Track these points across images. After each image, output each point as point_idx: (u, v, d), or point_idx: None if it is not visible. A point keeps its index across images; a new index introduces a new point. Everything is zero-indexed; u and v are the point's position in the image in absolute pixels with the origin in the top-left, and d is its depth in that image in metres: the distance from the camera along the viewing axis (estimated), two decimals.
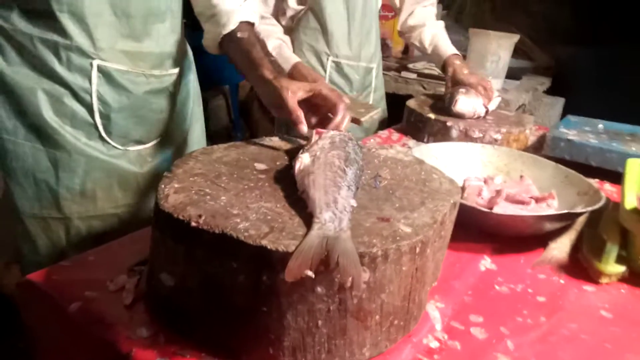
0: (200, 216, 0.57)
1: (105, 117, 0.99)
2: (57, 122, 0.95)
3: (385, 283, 0.58)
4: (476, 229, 0.91)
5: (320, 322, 0.56)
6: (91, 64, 0.94)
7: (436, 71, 2.30)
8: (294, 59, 1.45)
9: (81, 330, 0.64)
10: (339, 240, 0.54)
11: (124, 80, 0.99)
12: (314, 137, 0.77)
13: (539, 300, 0.78)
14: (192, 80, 1.22)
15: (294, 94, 0.85)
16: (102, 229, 1.07)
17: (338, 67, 1.62)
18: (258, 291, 0.55)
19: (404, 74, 2.36)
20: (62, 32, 0.90)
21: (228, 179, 0.69)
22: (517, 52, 2.38)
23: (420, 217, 0.64)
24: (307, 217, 0.59)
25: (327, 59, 1.60)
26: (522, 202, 0.95)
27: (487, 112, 1.47)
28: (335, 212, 0.58)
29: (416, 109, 1.50)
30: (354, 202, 0.63)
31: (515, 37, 2.13)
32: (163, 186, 0.64)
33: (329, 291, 0.55)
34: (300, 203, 0.63)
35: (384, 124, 1.78)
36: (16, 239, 1.05)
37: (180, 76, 1.15)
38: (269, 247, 0.53)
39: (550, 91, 2.78)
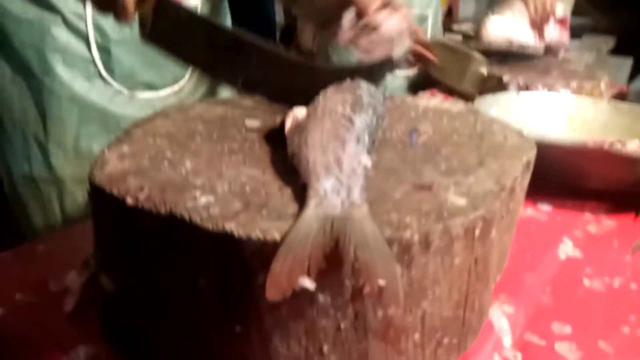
0: (141, 189, 0.38)
1: (105, 51, 0.81)
2: (46, 58, 0.78)
3: (428, 285, 0.37)
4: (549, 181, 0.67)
5: (326, 347, 0.37)
6: None
7: None
8: None
9: (2, 347, 0.47)
10: (352, 222, 0.34)
11: None
12: None
13: None
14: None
15: None
16: None
17: None
18: (227, 302, 0.36)
19: (447, 36, 2.11)
20: None
21: (203, 140, 0.49)
22: (574, 12, 2.10)
23: (480, 182, 0.42)
24: (304, 190, 0.39)
25: None
26: None
27: (548, 47, 1.06)
28: (340, 177, 0.37)
29: None
30: (367, 161, 0.41)
31: None
32: (106, 151, 0.46)
33: (338, 300, 0.35)
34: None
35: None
36: (9, 205, 0.90)
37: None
38: (236, 233, 0.33)
39: (615, 52, 2.46)
